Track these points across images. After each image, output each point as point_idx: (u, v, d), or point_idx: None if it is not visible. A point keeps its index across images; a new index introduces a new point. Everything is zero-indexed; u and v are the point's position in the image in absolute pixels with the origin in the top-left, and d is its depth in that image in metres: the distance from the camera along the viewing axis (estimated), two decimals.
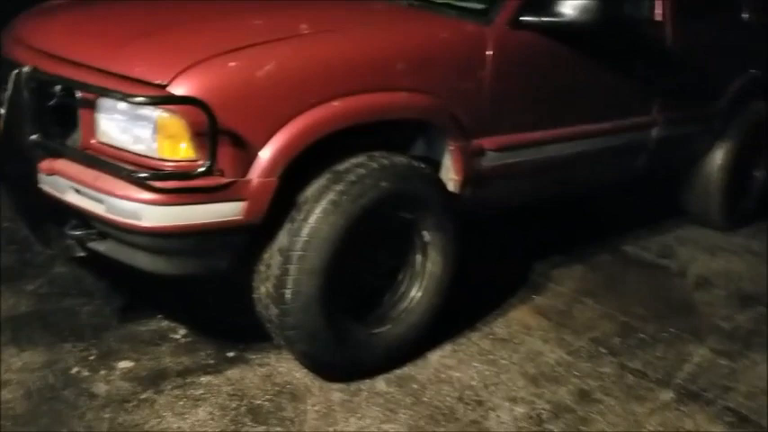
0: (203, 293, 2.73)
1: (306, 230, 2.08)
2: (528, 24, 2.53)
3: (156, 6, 2.45)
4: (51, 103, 2.09)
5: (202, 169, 1.89)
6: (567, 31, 2.57)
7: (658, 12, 3.14)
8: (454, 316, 2.70)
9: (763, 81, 3.74)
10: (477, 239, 3.46)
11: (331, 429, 2.10)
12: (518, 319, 2.84)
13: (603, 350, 2.67)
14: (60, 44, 2.21)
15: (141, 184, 1.92)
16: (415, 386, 2.34)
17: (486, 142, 2.53)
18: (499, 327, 2.76)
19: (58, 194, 2.07)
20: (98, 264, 2.35)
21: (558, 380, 2.45)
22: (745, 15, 3.67)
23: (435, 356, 2.51)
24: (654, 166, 3.38)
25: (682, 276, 3.38)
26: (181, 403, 2.16)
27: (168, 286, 2.63)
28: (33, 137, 2.05)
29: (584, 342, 2.71)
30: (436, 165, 2.50)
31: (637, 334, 2.80)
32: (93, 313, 2.61)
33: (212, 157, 1.90)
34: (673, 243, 3.73)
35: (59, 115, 2.11)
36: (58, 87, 2.08)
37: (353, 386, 2.30)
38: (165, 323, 2.58)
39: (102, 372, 2.28)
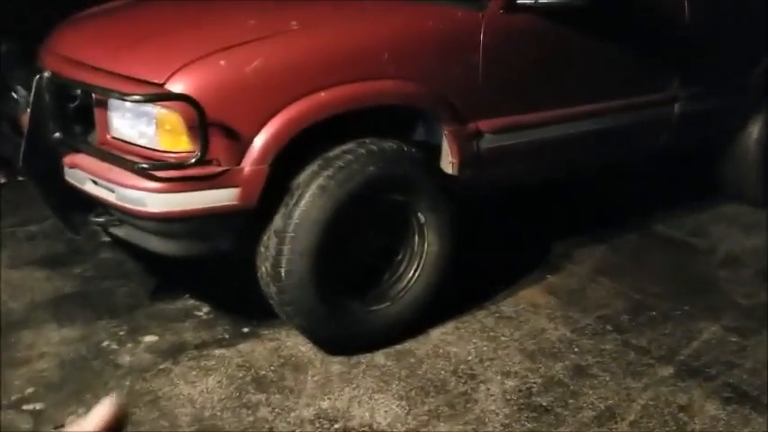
0: (228, 274, 2.94)
1: (297, 214, 2.23)
2: (524, 7, 2.58)
3: (160, 11, 2.66)
4: (74, 104, 2.35)
5: (194, 160, 2.07)
6: (565, 12, 2.60)
7: None
8: (463, 295, 2.80)
9: None
10: (497, 220, 3.55)
11: (326, 398, 2.26)
12: (527, 297, 2.90)
13: (609, 327, 2.69)
14: (80, 50, 2.47)
15: (145, 174, 2.13)
16: (413, 360, 2.46)
17: (483, 125, 2.59)
18: (507, 305, 2.83)
19: (79, 185, 2.31)
20: (137, 249, 2.60)
21: (555, 356, 2.50)
22: None
23: (437, 333, 2.62)
24: (679, 141, 3.32)
25: (709, 254, 3.32)
26: (194, 373, 2.37)
27: (196, 268, 2.87)
28: (56, 135, 2.30)
29: (591, 320, 2.74)
30: (437, 149, 2.60)
31: (648, 312, 2.80)
32: (128, 294, 2.87)
33: (203, 148, 2.07)
34: (707, 221, 3.65)
35: (84, 114, 2.36)
36: (78, 90, 2.33)
37: (354, 359, 2.44)
38: (191, 302, 2.81)
39: (129, 345, 2.52)
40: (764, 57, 3.49)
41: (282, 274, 2.26)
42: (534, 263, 3.17)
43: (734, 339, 2.61)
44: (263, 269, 2.34)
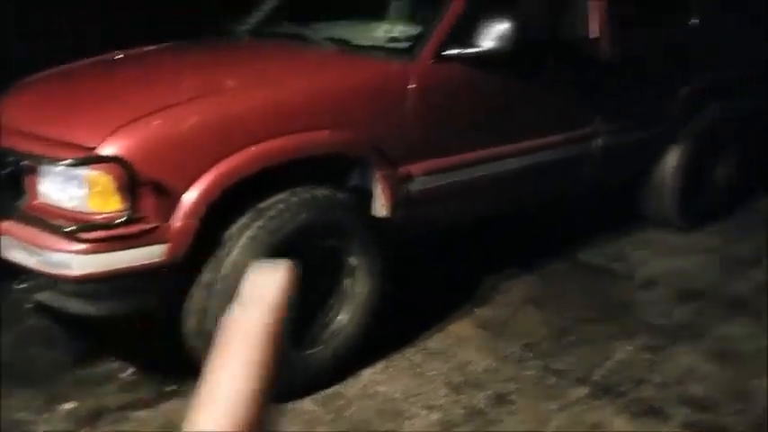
0: (154, 332, 2.92)
1: (227, 266, 2.31)
2: (451, 57, 2.76)
3: (98, 74, 2.81)
4: (6, 171, 2.41)
5: (122, 219, 2.16)
6: (490, 59, 2.77)
7: (594, 29, 3.29)
8: (395, 333, 2.91)
9: (714, 84, 3.85)
10: (427, 256, 3.68)
11: None
12: (456, 331, 3.01)
13: (532, 354, 2.82)
14: (17, 117, 2.54)
15: (71, 236, 2.19)
16: (341, 402, 2.54)
17: (415, 168, 2.74)
18: (435, 341, 2.94)
19: (6, 252, 2.36)
20: (63, 314, 2.60)
21: (479, 386, 2.61)
22: (694, 21, 3.79)
23: (367, 373, 2.71)
24: (603, 174, 3.52)
25: (628, 278, 3.49)
26: None
27: (123, 329, 2.86)
28: None
29: (516, 348, 2.86)
30: (370, 192, 2.72)
31: (569, 336, 2.94)
32: (52, 361, 2.77)
33: (132, 207, 2.16)
34: (628, 247, 3.84)
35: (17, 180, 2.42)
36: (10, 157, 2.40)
37: (280, 408, 2.50)
38: (115, 364, 2.74)
39: (46, 414, 2.45)
40: (680, 90, 3.73)
41: (211, 329, 2.32)
42: (463, 297, 3.30)
43: (645, 357, 2.76)
44: (190, 324, 2.41)
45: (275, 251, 2.37)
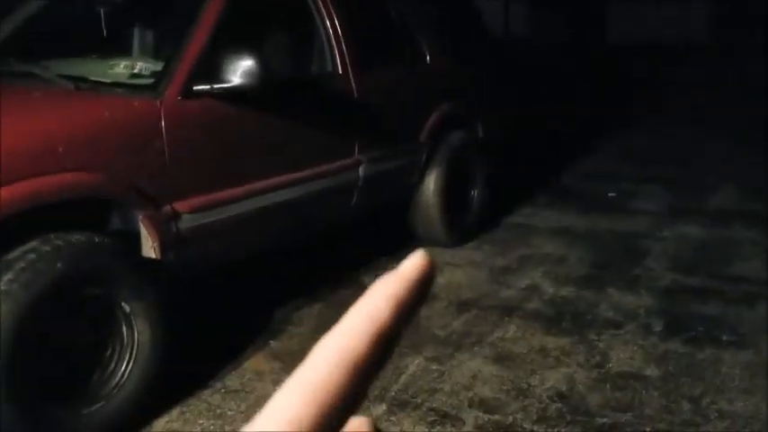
0: None
1: None
2: (202, 93, 2.71)
3: None
4: None
5: None
6: (241, 95, 2.78)
7: (339, 67, 3.47)
8: (188, 376, 2.77)
9: (454, 114, 4.25)
10: (215, 294, 3.58)
11: None
12: (252, 367, 2.95)
13: None
14: None
15: None
16: None
17: (180, 206, 2.64)
18: (232, 379, 2.85)
19: None
20: None
21: None
22: (428, 60, 4.16)
23: (161, 423, 2.55)
24: (369, 200, 3.70)
25: None
26: None
27: None
28: None
29: None
30: (137, 235, 2.58)
31: None
32: None
33: None
34: None
35: None
36: None
37: None
38: None
39: None
40: (426, 120, 4.05)
41: None
42: (256, 331, 3.25)
43: (434, 368, 2.94)
44: None
45: (32, 306, 2.16)
